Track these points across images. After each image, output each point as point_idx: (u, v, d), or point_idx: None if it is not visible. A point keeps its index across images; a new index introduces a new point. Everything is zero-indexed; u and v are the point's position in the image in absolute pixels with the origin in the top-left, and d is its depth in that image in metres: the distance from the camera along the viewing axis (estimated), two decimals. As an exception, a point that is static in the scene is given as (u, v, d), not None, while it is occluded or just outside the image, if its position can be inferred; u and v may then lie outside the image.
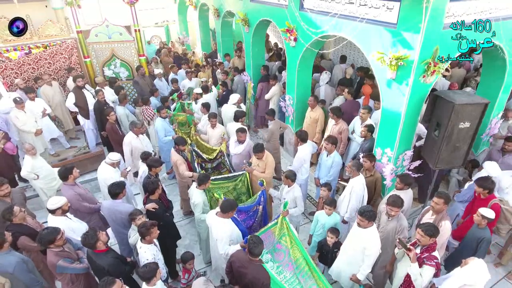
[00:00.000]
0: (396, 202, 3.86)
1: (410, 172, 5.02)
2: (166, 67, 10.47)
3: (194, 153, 5.71)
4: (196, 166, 5.58)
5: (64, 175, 4.56)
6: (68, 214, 4.25)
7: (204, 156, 5.75)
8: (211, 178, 4.73)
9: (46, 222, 4.25)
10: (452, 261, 4.18)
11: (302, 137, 5.40)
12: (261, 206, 4.81)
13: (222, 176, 5.21)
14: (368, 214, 3.66)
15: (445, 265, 4.37)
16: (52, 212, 4.07)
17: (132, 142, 5.75)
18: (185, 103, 7.61)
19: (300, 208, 4.80)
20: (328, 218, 4.46)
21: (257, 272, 3.36)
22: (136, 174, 5.68)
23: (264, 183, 4.77)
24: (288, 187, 4.72)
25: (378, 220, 4.34)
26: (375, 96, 6.03)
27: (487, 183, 4.25)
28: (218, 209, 4.05)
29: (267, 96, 7.86)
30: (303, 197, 5.29)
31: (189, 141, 6.17)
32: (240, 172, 5.17)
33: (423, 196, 5.75)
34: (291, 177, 4.64)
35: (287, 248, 4.11)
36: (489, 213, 3.89)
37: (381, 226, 4.15)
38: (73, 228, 4.22)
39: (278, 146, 6.62)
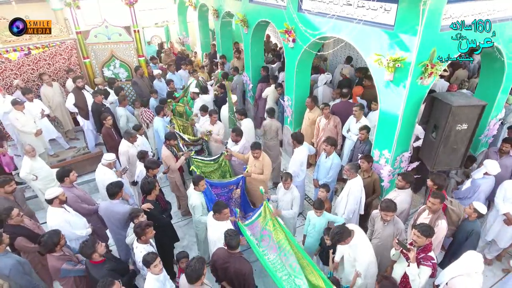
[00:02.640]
0: (390, 207, 3.84)
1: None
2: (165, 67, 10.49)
3: (177, 135, 6.05)
4: (182, 147, 5.91)
5: (61, 176, 4.57)
6: (66, 206, 4.29)
7: (186, 137, 6.29)
8: (198, 157, 5.54)
9: (45, 223, 4.27)
10: (448, 259, 4.22)
11: (298, 139, 5.40)
12: (238, 190, 5.19)
13: (207, 158, 5.73)
14: (338, 237, 3.55)
15: (441, 264, 4.39)
16: (50, 202, 4.12)
17: (129, 151, 5.69)
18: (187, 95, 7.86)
19: (295, 210, 4.78)
20: (318, 219, 4.46)
21: (239, 264, 3.52)
22: (133, 183, 5.69)
23: (263, 191, 4.80)
24: (285, 188, 4.71)
25: (372, 227, 4.31)
26: (372, 97, 6.05)
27: (438, 180, 4.31)
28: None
29: (263, 95, 7.89)
30: (301, 198, 5.31)
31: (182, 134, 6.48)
32: (218, 154, 5.69)
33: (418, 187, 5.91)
34: (290, 177, 4.64)
35: (271, 232, 4.38)
36: (481, 208, 3.94)
37: (377, 232, 4.11)
38: (70, 221, 4.26)
39: (278, 149, 6.63)
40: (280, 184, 4.84)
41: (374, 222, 4.23)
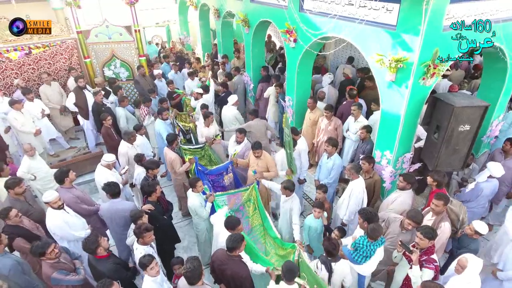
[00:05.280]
0: (417, 217, 3.76)
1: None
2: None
3: (175, 122, 6.64)
4: (177, 133, 6.40)
5: (60, 178, 4.53)
6: (66, 208, 4.26)
7: (181, 124, 6.81)
8: (185, 146, 5.85)
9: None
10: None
11: (295, 131, 5.47)
12: (231, 174, 5.56)
13: (193, 146, 6.09)
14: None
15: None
16: (46, 203, 4.13)
17: (128, 152, 5.65)
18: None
19: (297, 227, 4.55)
20: (319, 221, 4.39)
21: (236, 267, 3.47)
22: (131, 185, 5.64)
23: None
24: (286, 197, 4.62)
25: (385, 229, 4.19)
26: (373, 98, 6.01)
27: (437, 176, 4.31)
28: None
29: (265, 95, 7.88)
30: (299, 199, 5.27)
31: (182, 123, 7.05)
32: (202, 145, 6.05)
33: (421, 189, 5.84)
34: (290, 187, 4.50)
35: (248, 213, 4.76)
36: (482, 228, 3.81)
37: (390, 236, 4.04)
38: (69, 222, 4.23)
39: (269, 148, 6.58)
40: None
41: (389, 225, 4.14)
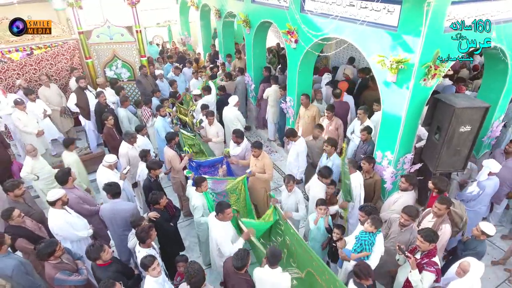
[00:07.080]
0: (411, 211, 3.78)
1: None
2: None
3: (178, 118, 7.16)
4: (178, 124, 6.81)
5: (63, 179, 4.54)
6: (67, 208, 4.28)
7: (182, 118, 7.32)
8: (183, 131, 6.19)
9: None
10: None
11: (293, 133, 5.54)
12: (224, 167, 5.76)
13: (189, 132, 6.43)
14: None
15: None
16: (52, 204, 4.10)
17: (128, 152, 5.67)
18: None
19: (304, 213, 4.70)
20: (321, 220, 4.39)
21: (238, 284, 3.43)
22: (135, 185, 5.64)
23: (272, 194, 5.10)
24: (288, 191, 4.68)
25: (387, 229, 4.21)
26: (376, 98, 6.02)
27: (440, 185, 4.25)
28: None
29: (264, 96, 7.89)
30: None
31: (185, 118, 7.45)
32: (194, 134, 6.37)
33: (423, 198, 5.74)
34: (293, 179, 4.62)
35: (229, 198, 4.97)
36: (489, 229, 3.81)
37: (392, 236, 4.05)
38: (71, 222, 4.24)
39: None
40: (283, 187, 4.80)
41: (391, 226, 4.16)
